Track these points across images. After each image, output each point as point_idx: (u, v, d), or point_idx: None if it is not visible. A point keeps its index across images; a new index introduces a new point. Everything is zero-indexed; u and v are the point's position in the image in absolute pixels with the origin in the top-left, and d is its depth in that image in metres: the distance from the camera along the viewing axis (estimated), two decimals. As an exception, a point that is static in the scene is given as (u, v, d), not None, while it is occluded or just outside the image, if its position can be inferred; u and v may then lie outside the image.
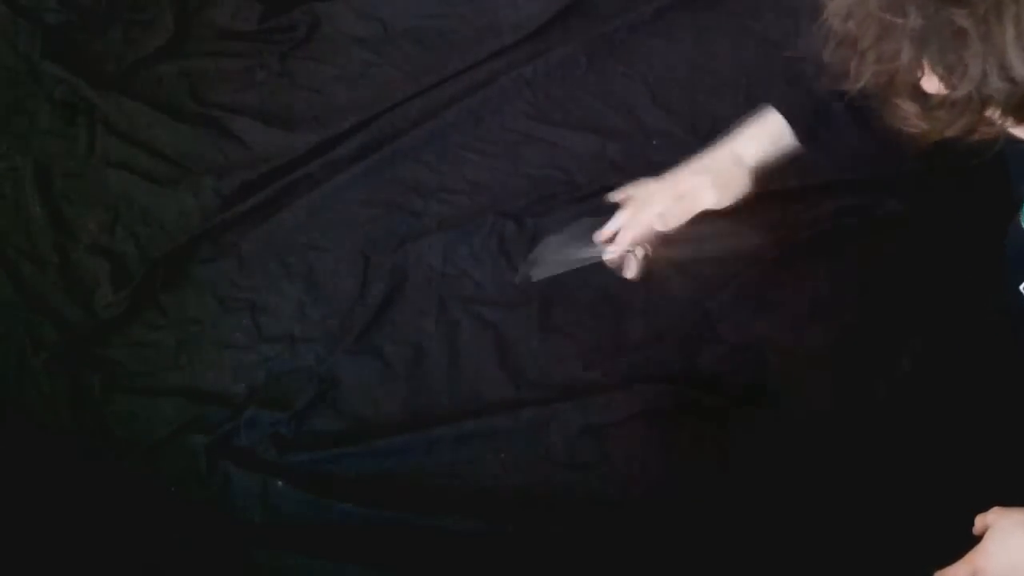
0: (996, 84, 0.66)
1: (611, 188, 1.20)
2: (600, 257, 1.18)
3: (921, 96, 0.74)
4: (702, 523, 1.08)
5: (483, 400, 1.23)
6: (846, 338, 1.20)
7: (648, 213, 1.12)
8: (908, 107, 0.76)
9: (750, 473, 1.12)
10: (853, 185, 1.34)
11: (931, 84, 0.72)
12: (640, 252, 1.15)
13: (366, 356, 1.28)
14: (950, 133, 0.74)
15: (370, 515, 1.14)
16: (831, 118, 1.03)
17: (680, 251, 1.18)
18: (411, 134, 1.50)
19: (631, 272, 1.16)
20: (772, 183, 1.12)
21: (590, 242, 1.19)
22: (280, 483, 1.17)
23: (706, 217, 1.12)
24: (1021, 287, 0.92)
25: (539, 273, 1.24)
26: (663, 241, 1.15)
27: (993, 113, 0.71)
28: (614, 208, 1.17)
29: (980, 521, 0.90)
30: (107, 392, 1.27)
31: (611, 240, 1.16)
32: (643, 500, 1.13)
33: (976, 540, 0.89)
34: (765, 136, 1.08)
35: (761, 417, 1.16)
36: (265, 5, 1.70)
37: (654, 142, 1.46)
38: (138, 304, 1.35)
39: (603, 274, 1.19)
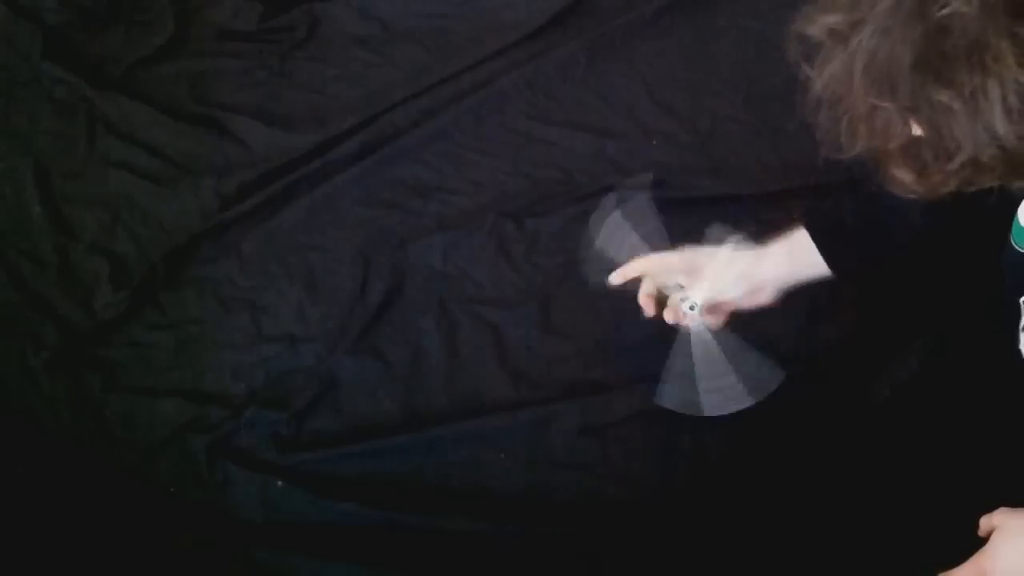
0: (989, 152, 0.67)
1: (611, 188, 1.20)
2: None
3: (914, 162, 0.74)
4: (702, 523, 1.08)
5: (483, 400, 1.23)
6: (847, 339, 1.20)
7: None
8: (903, 175, 0.76)
9: (751, 473, 1.11)
10: (854, 185, 1.33)
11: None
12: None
13: (366, 356, 1.28)
14: (946, 191, 0.74)
15: (370, 515, 1.13)
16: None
17: None
18: (411, 134, 1.50)
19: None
20: (774, 183, 1.12)
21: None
22: (280, 483, 1.17)
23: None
24: (1021, 300, 0.92)
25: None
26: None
27: (988, 165, 0.71)
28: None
29: (986, 522, 0.89)
30: (107, 392, 1.27)
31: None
32: (643, 500, 1.13)
33: (982, 542, 0.89)
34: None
35: (761, 417, 1.16)
36: (265, 5, 1.70)
37: (654, 142, 1.46)
38: (138, 304, 1.34)
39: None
